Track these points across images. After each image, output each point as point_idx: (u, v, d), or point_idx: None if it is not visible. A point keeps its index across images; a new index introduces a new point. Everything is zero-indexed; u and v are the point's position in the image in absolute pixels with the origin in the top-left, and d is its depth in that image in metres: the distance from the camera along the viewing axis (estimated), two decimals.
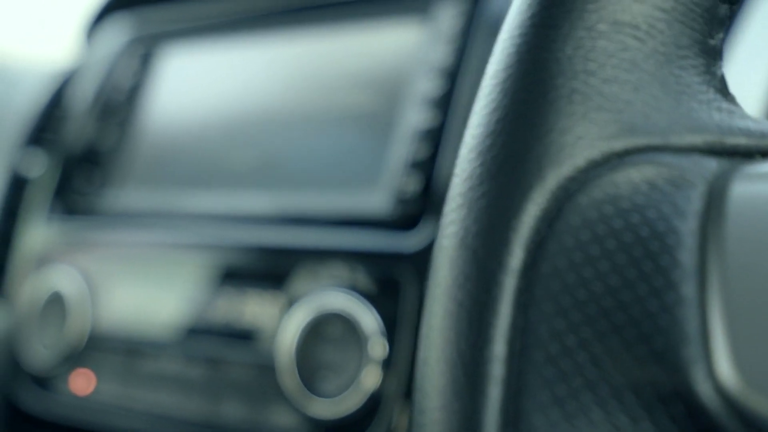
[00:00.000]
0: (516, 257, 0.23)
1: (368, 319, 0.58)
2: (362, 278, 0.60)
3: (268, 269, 0.65)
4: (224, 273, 0.68)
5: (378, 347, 0.58)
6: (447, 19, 0.65)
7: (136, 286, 0.73)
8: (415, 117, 0.64)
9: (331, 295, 0.60)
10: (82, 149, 0.84)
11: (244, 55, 0.79)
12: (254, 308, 0.65)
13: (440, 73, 0.64)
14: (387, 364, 0.57)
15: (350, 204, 0.65)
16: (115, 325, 0.73)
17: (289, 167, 0.70)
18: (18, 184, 0.91)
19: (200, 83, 0.81)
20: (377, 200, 0.63)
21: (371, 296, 0.59)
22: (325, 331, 0.60)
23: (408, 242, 0.60)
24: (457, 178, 0.26)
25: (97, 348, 0.73)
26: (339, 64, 0.71)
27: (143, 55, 0.85)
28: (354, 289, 0.60)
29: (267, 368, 0.63)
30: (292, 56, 0.75)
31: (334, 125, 0.69)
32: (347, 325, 0.59)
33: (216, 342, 0.66)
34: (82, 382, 0.73)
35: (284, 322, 0.62)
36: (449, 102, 0.63)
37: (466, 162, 0.26)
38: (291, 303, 0.63)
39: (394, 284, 0.59)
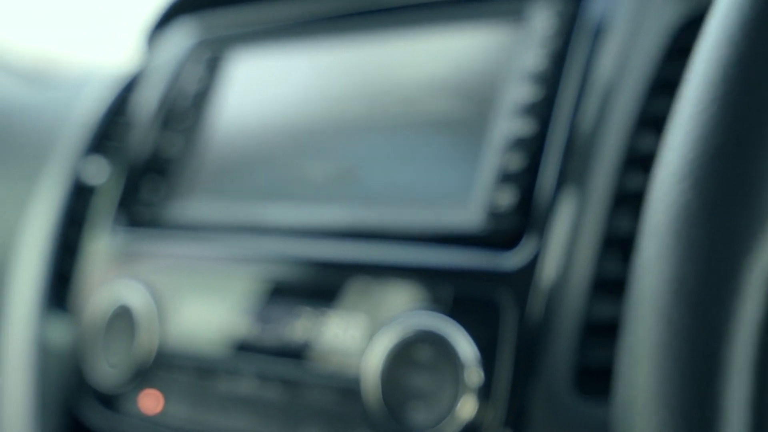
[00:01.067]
0: (749, 308, 0.19)
1: (463, 343, 0.54)
2: (454, 299, 0.56)
3: (349, 287, 0.61)
4: (301, 290, 0.64)
5: (475, 374, 0.53)
6: (542, 21, 0.61)
7: (204, 302, 0.69)
8: (509, 125, 0.59)
9: (420, 317, 0.56)
10: (146, 158, 0.82)
11: (318, 59, 0.75)
12: (335, 328, 0.61)
13: (536, 78, 0.59)
14: (484, 393, 0.53)
15: (437, 219, 0.60)
16: (183, 342, 0.69)
17: (368, 179, 0.66)
18: (80, 193, 0.89)
19: (270, 89, 0.77)
20: (468, 215, 0.59)
21: (465, 319, 0.55)
22: (414, 355, 0.56)
23: (506, 261, 0.55)
24: (658, 206, 0.22)
25: (165, 366, 0.70)
26: (422, 68, 0.67)
27: (210, 59, 0.82)
28: (446, 310, 0.56)
29: (350, 393, 0.59)
30: (369, 60, 0.71)
31: (417, 134, 0.65)
32: (439, 349, 0.54)
33: (293, 363, 0.62)
34: (150, 402, 0.70)
35: (369, 344, 0.58)
36: (546, 109, 0.58)
37: (674, 189, 0.21)
38: (375, 324, 0.59)
39: (490, 306, 0.54)
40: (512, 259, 0.55)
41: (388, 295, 0.59)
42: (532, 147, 0.57)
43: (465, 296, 0.56)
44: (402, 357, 0.56)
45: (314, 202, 0.68)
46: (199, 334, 0.69)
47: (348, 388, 0.59)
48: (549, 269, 0.53)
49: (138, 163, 0.82)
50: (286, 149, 0.73)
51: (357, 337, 0.60)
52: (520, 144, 0.58)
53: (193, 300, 0.70)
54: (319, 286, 0.63)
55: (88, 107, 0.95)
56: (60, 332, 0.82)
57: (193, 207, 0.76)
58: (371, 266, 0.61)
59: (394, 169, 0.65)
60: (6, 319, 0.88)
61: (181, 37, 0.86)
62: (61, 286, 0.85)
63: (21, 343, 0.85)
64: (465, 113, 0.63)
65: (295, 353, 0.63)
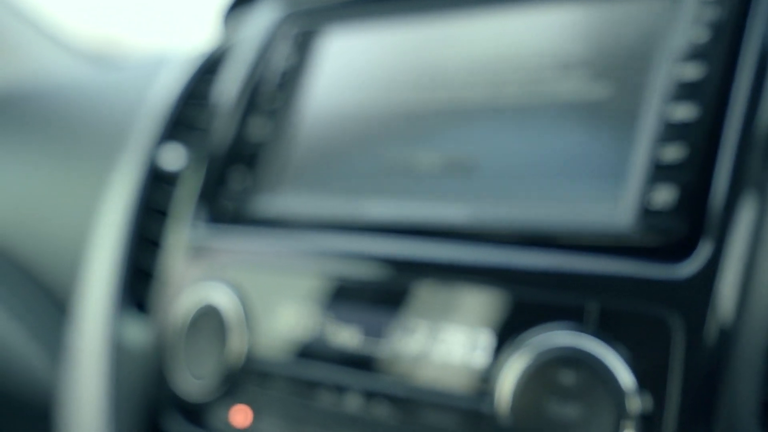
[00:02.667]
0: None
1: (618, 367, 0.46)
2: (601, 314, 0.48)
3: (469, 296, 0.53)
4: (412, 298, 0.56)
5: (637, 404, 0.45)
6: None
7: (299, 308, 0.62)
8: (665, 109, 0.50)
9: (560, 335, 0.48)
10: (229, 145, 0.74)
11: (423, 33, 0.67)
12: (455, 343, 0.53)
13: (697, 52, 0.50)
14: (647, 427, 0.45)
15: (577, 218, 0.52)
16: (276, 351, 0.62)
17: (488, 170, 0.58)
18: (157, 182, 0.82)
19: (367, 67, 0.69)
20: (617, 214, 0.50)
21: (616, 337, 0.47)
22: (554, 378, 0.47)
23: (673, 271, 0.46)
24: None
25: (255, 376, 0.63)
26: (549, 43, 0.59)
27: (299, 34, 0.74)
28: (591, 327, 0.48)
29: (476, 417, 0.51)
30: (485, 34, 0.63)
31: (547, 118, 0.56)
32: (589, 373, 0.46)
33: (405, 379, 0.55)
34: (240, 416, 0.63)
35: (496, 363, 0.50)
36: (712, 90, 0.49)
37: None
38: (503, 340, 0.51)
39: (652, 324, 0.46)
40: (682, 269, 0.46)
41: (517, 306, 0.51)
42: (696, 134, 0.48)
43: (616, 311, 0.47)
44: (539, 380, 0.48)
45: (423, 197, 0.60)
46: (294, 342, 0.61)
47: (473, 411, 0.51)
48: (728, 281, 0.44)
49: (220, 151, 0.75)
50: (389, 136, 0.65)
51: (481, 354, 0.52)
52: (681, 130, 0.49)
53: (286, 304, 0.63)
54: (434, 293, 0.55)
55: (163, 91, 0.88)
56: (137, 332, 0.76)
57: (282, 200, 0.69)
58: (496, 272, 0.53)
59: (519, 160, 0.57)
60: (79, 317, 0.82)
61: (267, 11, 0.78)
62: (137, 282, 0.79)
63: (95, 343, 0.79)
64: (606, 95, 0.54)
65: (407, 368, 0.55)
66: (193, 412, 0.66)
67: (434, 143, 0.62)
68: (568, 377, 0.47)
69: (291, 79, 0.73)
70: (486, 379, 0.51)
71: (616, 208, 0.50)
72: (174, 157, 0.81)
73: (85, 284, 0.83)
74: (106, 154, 0.96)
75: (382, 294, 0.58)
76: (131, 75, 1.09)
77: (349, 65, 0.70)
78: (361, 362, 0.57)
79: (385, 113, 0.66)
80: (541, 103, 0.57)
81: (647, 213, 0.48)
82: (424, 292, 0.56)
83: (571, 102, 0.56)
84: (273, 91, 0.74)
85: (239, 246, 0.69)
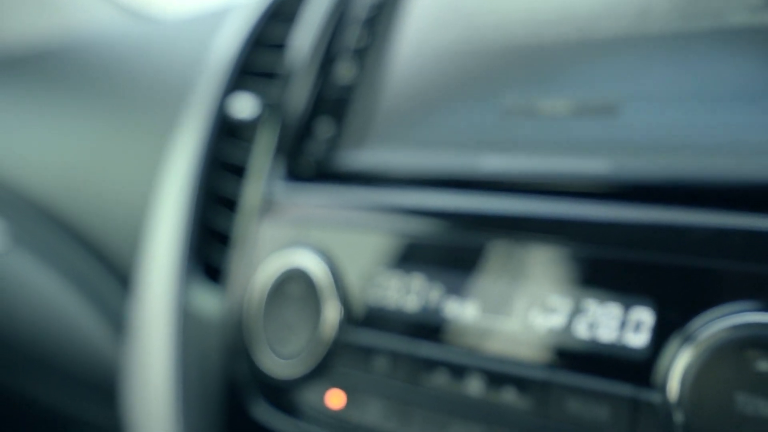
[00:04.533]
0: None
1: None
2: None
3: (624, 263, 0.44)
4: (545, 265, 0.47)
5: None
6: None
7: (403, 274, 0.53)
8: None
9: (752, 313, 0.39)
10: (309, 93, 0.66)
11: None
12: (609, 319, 0.44)
13: None
14: None
15: (753, 168, 0.43)
16: (376, 323, 0.54)
17: (635, 112, 0.49)
18: (226, 137, 0.74)
19: None
20: None
21: None
22: (748, 365, 0.38)
23: None
24: None
25: (351, 352, 0.55)
26: None
27: None
28: None
29: (634, 407, 0.42)
30: None
31: (713, 47, 0.47)
32: None
33: (540, 360, 0.46)
34: (333, 397, 0.55)
35: (666, 345, 0.41)
36: None
37: None
38: (673, 316, 0.42)
39: None
40: None
41: (687, 277, 0.42)
42: None
43: None
44: (723, 365, 0.39)
45: (551, 148, 0.51)
46: (398, 314, 0.53)
47: (629, 399, 0.42)
48: None
49: (299, 99, 0.66)
50: (503, 78, 0.56)
51: (642, 334, 0.43)
52: None
53: (386, 271, 0.54)
54: (574, 261, 0.46)
55: (229, 37, 0.79)
56: (208, 302, 0.69)
57: (375, 154, 0.60)
58: (657, 235, 0.44)
59: (674, 99, 0.47)
60: (143, 286, 0.75)
61: None
62: (208, 245, 0.72)
63: (161, 315, 0.72)
64: None
65: (542, 348, 0.46)
66: (278, 394, 0.58)
67: (561, 84, 0.53)
68: (765, 364, 0.38)
69: (381, 12, 0.64)
70: (648, 363, 0.42)
71: None
72: (245, 108, 0.73)
73: (148, 249, 0.75)
74: (165, 110, 0.88)
75: (505, 262, 0.49)
76: (188, 28, 1.01)
77: None
78: (482, 339, 0.49)
79: (496, 51, 0.57)
80: (703, 31, 0.47)
81: None
82: (561, 260, 0.47)
83: (742, 27, 0.46)
84: (360, 28, 0.65)
85: (326, 205, 0.60)
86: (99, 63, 1.01)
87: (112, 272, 0.86)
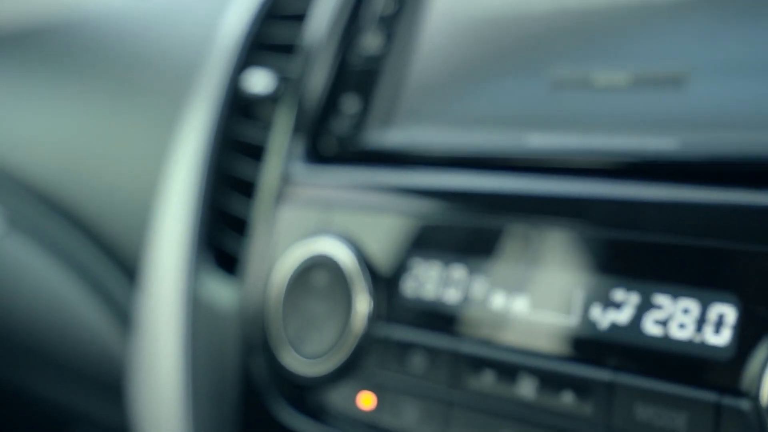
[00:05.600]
0: None
1: None
2: None
3: (702, 252, 0.39)
4: (605, 254, 0.42)
5: None
6: None
7: (437, 264, 0.48)
8: None
9: None
10: (331, 66, 0.60)
11: None
12: (685, 316, 0.39)
13: None
14: None
15: None
16: (411, 317, 0.49)
17: (705, 85, 0.44)
18: (240, 115, 0.69)
19: None
20: None
21: None
22: None
23: None
24: None
25: (383, 349, 0.50)
26: None
27: None
28: None
29: (715, 413, 0.37)
30: None
31: None
32: None
33: (602, 361, 0.41)
34: (365, 402, 0.50)
35: (755, 351, 0.36)
36: None
37: None
38: (764, 320, 0.37)
39: None
40: None
41: None
42: None
43: None
44: None
45: (608, 126, 0.46)
46: (436, 308, 0.48)
47: (712, 405, 0.37)
48: None
49: (320, 73, 0.61)
50: (552, 47, 0.51)
51: (727, 333, 0.38)
52: None
53: (421, 262, 0.49)
54: (640, 250, 0.41)
55: (241, 9, 0.74)
56: (222, 292, 0.64)
57: (405, 132, 0.55)
58: (733, 223, 0.39)
59: (752, 75, 0.42)
60: (151, 275, 0.70)
61: None
62: (220, 231, 0.66)
63: (170, 306, 0.67)
64: None
65: (603, 348, 0.41)
66: (301, 394, 0.53)
67: (619, 53, 0.48)
68: None
69: None
70: (734, 365, 0.37)
71: None
72: (260, 84, 0.68)
73: (156, 237, 0.70)
74: (173, 89, 0.83)
75: (560, 250, 0.44)
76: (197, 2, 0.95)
77: None
78: (534, 336, 0.44)
79: (544, 15, 0.52)
80: None
81: None
82: (625, 249, 0.42)
83: None
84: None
85: (352, 187, 0.55)
86: (101, 39, 0.95)
87: (117, 263, 0.80)
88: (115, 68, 0.92)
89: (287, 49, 0.68)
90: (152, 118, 0.84)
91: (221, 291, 0.64)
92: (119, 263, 0.80)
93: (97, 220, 0.85)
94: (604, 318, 0.41)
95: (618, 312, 0.41)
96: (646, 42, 0.47)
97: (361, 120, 0.57)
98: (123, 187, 0.84)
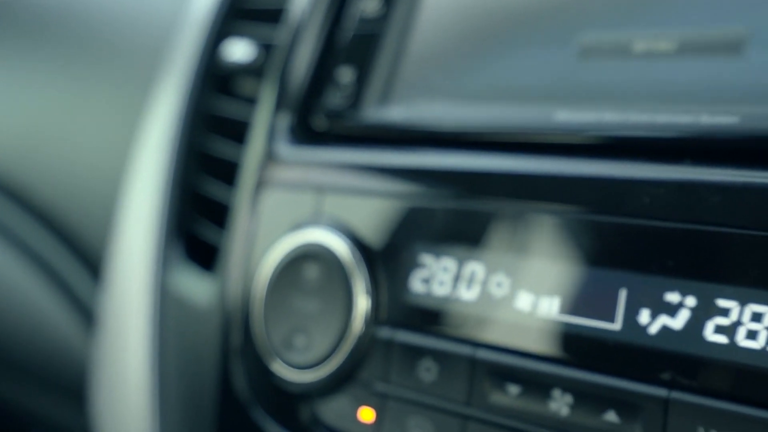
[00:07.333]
0: None
1: None
2: None
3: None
4: (652, 248, 0.36)
5: None
6: None
7: (449, 258, 0.42)
8: None
9: None
10: (320, 34, 0.53)
11: None
12: (748, 317, 0.33)
13: None
14: None
15: None
16: (419, 318, 0.42)
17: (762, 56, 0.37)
18: (218, 90, 0.62)
19: None
20: None
21: None
22: None
23: None
24: None
25: (385, 355, 0.43)
26: None
27: None
28: None
29: None
30: None
31: None
32: None
33: (653, 372, 0.35)
34: (365, 409, 0.44)
35: None
36: None
37: None
38: None
39: None
40: None
41: None
42: None
43: None
44: None
45: (650, 100, 0.40)
46: (445, 308, 0.41)
47: None
48: None
49: (309, 43, 0.54)
50: (580, 8, 0.44)
51: None
52: None
53: (429, 254, 0.43)
54: (696, 243, 0.35)
55: None
56: (196, 287, 0.56)
57: (408, 109, 0.48)
58: None
59: None
60: (117, 265, 0.62)
61: None
62: (195, 219, 0.59)
63: (138, 301, 0.60)
64: None
65: (650, 358, 0.35)
66: (290, 405, 0.46)
67: (658, 16, 0.41)
68: None
69: None
70: None
71: None
72: (240, 55, 0.60)
73: (122, 223, 0.63)
74: (142, 63, 0.75)
75: (595, 244, 0.37)
76: None
77: None
78: (567, 344, 0.37)
79: None
80: None
81: None
82: (681, 243, 0.35)
83: None
84: None
85: (345, 168, 0.48)
86: (61, 6, 0.87)
87: (79, 254, 0.73)
88: (77, 41, 0.84)
89: (270, 15, 0.61)
90: (119, 97, 0.77)
91: (195, 284, 0.57)
92: (81, 255, 0.73)
93: (56, 207, 0.77)
94: (655, 323, 0.35)
95: (672, 317, 0.35)
96: (691, 3, 0.41)
97: (357, 92, 0.50)
98: (86, 172, 0.76)
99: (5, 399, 0.84)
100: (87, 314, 0.71)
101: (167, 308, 0.58)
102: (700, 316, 0.34)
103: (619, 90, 0.41)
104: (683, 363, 0.34)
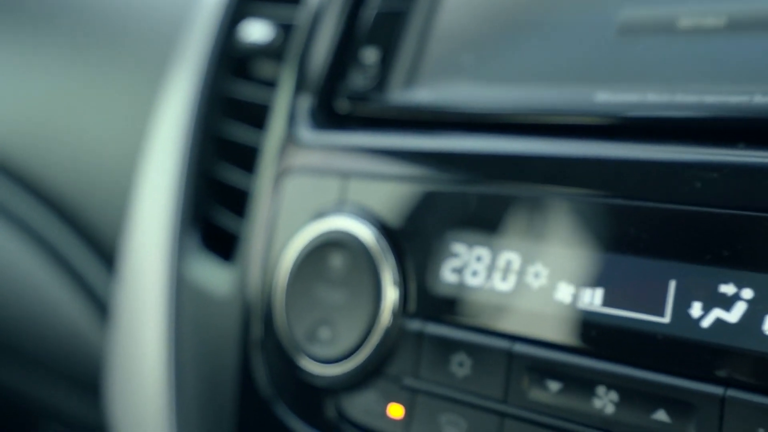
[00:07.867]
0: None
1: None
2: None
3: None
4: (688, 237, 0.34)
5: None
6: None
7: (484, 246, 0.40)
8: None
9: None
10: (343, 15, 0.51)
11: None
12: None
13: None
14: None
15: None
16: (451, 310, 0.40)
17: None
18: (231, 74, 0.59)
19: None
20: None
21: None
22: None
23: None
24: None
25: (416, 348, 0.41)
26: None
27: None
28: None
29: None
30: None
31: None
32: None
33: (707, 370, 0.33)
34: (394, 405, 0.42)
35: None
36: None
37: None
38: None
39: None
40: None
41: None
42: None
43: None
44: None
45: (698, 77, 0.38)
46: (479, 299, 0.39)
47: None
48: None
49: (331, 22, 0.51)
50: None
51: None
52: None
53: (463, 243, 0.40)
54: (761, 234, 0.33)
55: None
56: (215, 276, 0.54)
57: (437, 92, 0.46)
58: None
59: None
60: (132, 254, 0.60)
61: None
62: (212, 206, 0.57)
63: (154, 292, 0.58)
64: None
65: (703, 354, 0.33)
66: (315, 400, 0.44)
67: None
68: None
69: None
70: None
71: None
72: (257, 34, 0.58)
73: (137, 211, 0.61)
74: (157, 48, 0.73)
75: (643, 233, 0.35)
76: None
77: None
78: (612, 339, 0.35)
79: None
80: None
81: None
82: (734, 230, 0.33)
83: None
84: None
85: (371, 153, 0.46)
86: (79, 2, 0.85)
87: (93, 245, 0.71)
88: (90, 27, 0.82)
89: None
90: (133, 83, 0.75)
91: (212, 274, 0.55)
92: (95, 245, 0.71)
93: (70, 197, 0.76)
94: (708, 317, 0.33)
95: (726, 310, 0.32)
96: None
97: (381, 74, 0.48)
98: (100, 160, 0.75)
99: (18, 391, 0.83)
100: (101, 306, 0.69)
101: (184, 299, 0.56)
102: (757, 309, 0.32)
103: (663, 69, 0.39)
104: (740, 359, 0.32)
